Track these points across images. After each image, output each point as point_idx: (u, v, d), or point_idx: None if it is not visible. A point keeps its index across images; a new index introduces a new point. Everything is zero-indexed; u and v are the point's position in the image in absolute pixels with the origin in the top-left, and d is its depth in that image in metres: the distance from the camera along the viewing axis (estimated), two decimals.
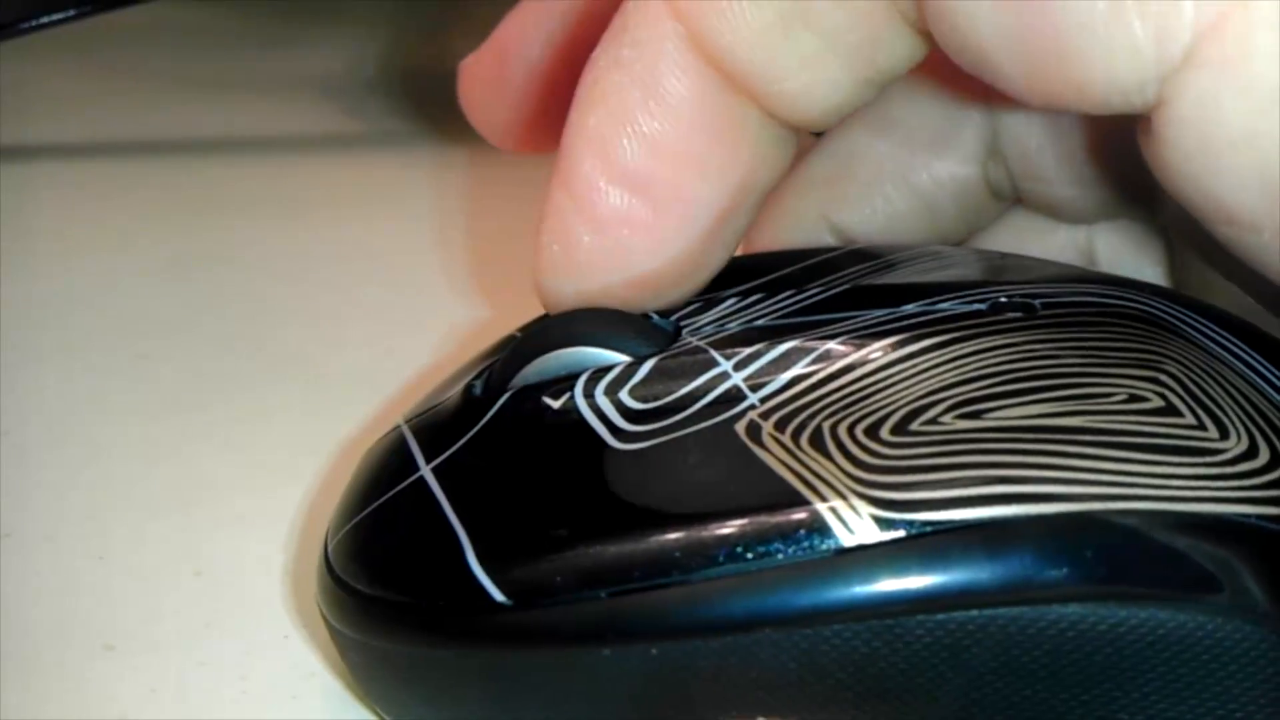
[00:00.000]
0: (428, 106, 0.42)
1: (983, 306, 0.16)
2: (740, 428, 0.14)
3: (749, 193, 0.16)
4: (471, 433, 0.16)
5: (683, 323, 0.17)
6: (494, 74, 0.21)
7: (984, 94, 0.19)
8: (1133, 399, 0.14)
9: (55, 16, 0.35)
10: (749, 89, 0.15)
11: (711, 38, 0.15)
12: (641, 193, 0.16)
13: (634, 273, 0.16)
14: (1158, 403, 0.14)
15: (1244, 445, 0.14)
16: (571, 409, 0.15)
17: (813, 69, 0.15)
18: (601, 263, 0.16)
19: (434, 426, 0.16)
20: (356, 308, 0.29)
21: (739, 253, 0.21)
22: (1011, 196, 0.20)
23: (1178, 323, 0.16)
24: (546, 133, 0.20)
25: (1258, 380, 0.15)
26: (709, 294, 0.17)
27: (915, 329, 0.15)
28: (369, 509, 0.16)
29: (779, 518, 0.13)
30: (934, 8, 0.14)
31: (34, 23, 0.35)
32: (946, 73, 0.19)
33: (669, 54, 0.15)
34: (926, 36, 0.15)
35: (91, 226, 0.33)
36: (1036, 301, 0.16)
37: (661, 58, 0.15)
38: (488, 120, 0.21)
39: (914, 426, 0.14)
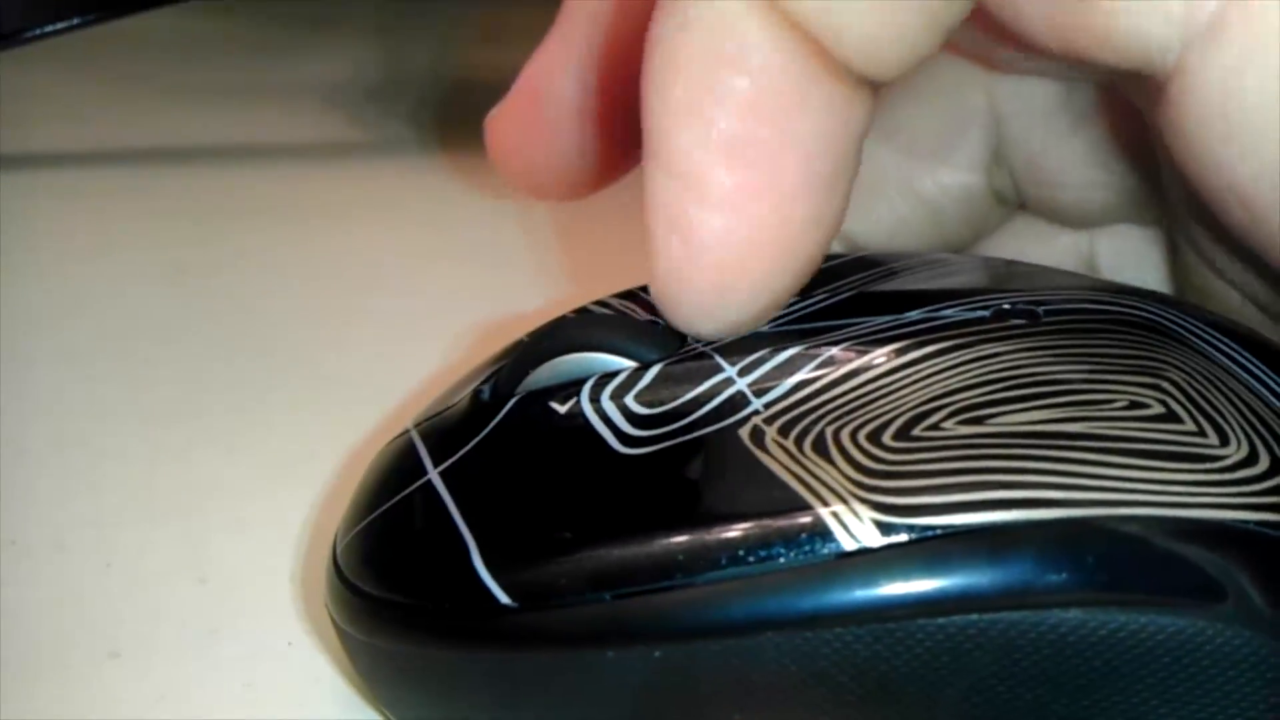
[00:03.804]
0: (429, 114, 0.42)
1: (986, 313, 0.16)
2: (744, 433, 0.14)
3: (849, 140, 0.15)
4: (479, 437, 0.16)
5: None
6: (526, 120, 0.19)
7: (988, 98, 0.19)
8: (1134, 405, 0.14)
9: (58, 25, 0.35)
10: (817, 40, 0.14)
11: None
12: (751, 158, 0.14)
13: (768, 249, 0.14)
14: (1158, 409, 0.14)
15: (1244, 452, 0.14)
16: (578, 414, 0.15)
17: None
18: (733, 243, 0.14)
19: (442, 431, 0.16)
20: (359, 314, 0.29)
21: None
22: (1015, 202, 0.20)
23: (1179, 330, 0.16)
24: (587, 175, 0.19)
25: (1258, 387, 0.15)
26: None
27: (919, 335, 0.15)
28: (377, 512, 0.16)
29: (781, 522, 0.13)
30: None
31: (37, 31, 0.35)
32: (951, 77, 0.20)
33: (737, 5, 0.14)
34: None
35: (94, 234, 0.33)
36: (1040, 309, 0.16)
37: (730, 10, 0.14)
38: (524, 171, 0.19)
39: (916, 432, 0.14)
